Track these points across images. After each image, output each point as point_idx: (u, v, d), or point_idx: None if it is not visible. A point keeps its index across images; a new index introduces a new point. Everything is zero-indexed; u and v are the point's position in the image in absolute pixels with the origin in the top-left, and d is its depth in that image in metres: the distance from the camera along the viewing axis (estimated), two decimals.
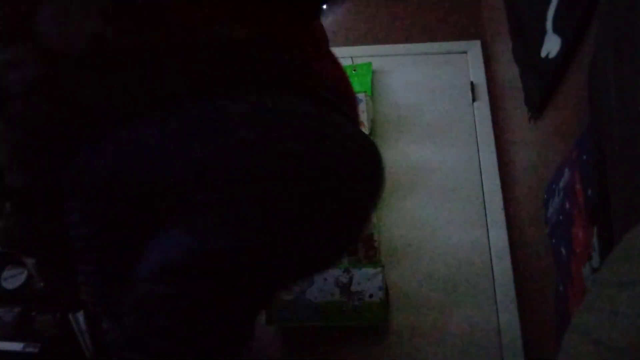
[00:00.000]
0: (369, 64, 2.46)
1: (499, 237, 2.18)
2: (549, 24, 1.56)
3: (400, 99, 2.46)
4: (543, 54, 1.61)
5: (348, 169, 0.80)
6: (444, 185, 2.29)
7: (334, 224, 0.79)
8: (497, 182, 2.26)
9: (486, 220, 2.22)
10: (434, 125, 2.40)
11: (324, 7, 1.02)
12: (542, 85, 1.66)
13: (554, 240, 1.58)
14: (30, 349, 1.73)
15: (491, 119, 2.37)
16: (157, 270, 0.68)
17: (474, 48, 2.53)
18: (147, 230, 0.73)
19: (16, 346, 1.73)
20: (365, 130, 2.27)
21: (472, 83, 2.46)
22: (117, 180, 0.70)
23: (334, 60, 1.00)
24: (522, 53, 1.88)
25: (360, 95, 2.30)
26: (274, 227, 0.71)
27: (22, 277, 1.89)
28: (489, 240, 2.19)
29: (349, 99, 0.99)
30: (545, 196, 1.66)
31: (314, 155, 0.75)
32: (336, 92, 0.92)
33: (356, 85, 2.38)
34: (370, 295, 1.97)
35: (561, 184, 1.50)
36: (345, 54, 2.45)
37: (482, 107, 2.41)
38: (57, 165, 0.72)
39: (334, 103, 0.89)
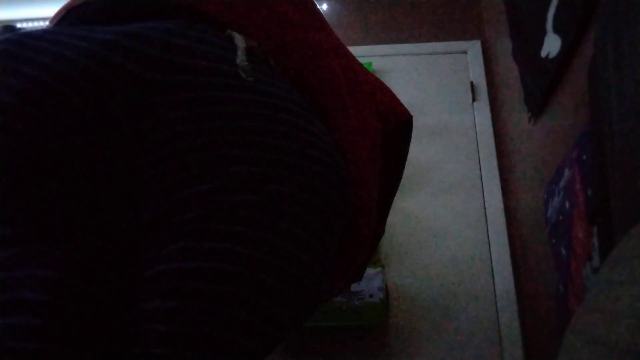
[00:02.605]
0: (369, 64, 2.46)
1: (499, 237, 2.18)
2: (549, 24, 1.56)
3: (400, 99, 2.45)
4: (543, 54, 1.61)
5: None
6: (443, 185, 2.29)
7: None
8: (497, 182, 2.26)
9: (486, 220, 2.22)
10: (434, 125, 2.40)
11: None
12: (542, 85, 1.66)
13: (554, 240, 1.58)
14: None
15: (491, 119, 2.37)
16: None
17: (474, 48, 2.53)
18: None
19: None
20: None
21: (472, 83, 2.46)
22: None
23: None
24: (522, 53, 1.88)
25: None
26: None
27: None
28: (488, 240, 2.19)
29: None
30: (545, 196, 1.66)
31: None
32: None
33: None
34: (370, 295, 1.97)
35: (561, 184, 1.50)
36: None
37: (482, 107, 2.41)
38: None
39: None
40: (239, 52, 0.70)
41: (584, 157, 1.32)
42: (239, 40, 0.72)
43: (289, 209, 0.63)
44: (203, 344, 0.58)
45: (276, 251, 0.62)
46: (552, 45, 1.54)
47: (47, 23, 0.83)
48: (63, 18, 0.77)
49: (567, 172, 1.46)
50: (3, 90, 0.60)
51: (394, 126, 0.98)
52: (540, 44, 1.62)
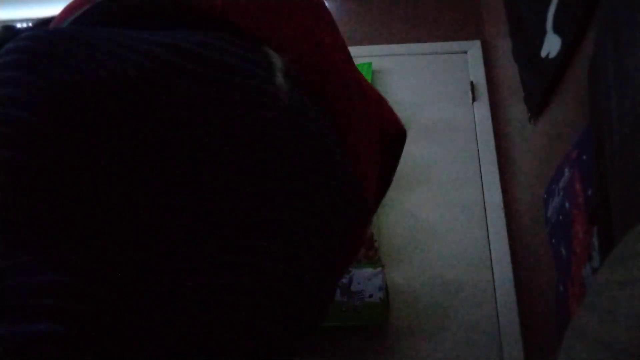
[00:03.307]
0: (369, 64, 2.45)
1: (499, 236, 2.18)
2: (549, 24, 1.56)
3: (400, 99, 2.46)
4: (543, 54, 1.61)
5: None
6: (444, 184, 2.29)
7: None
8: (497, 182, 2.26)
9: (486, 220, 2.22)
10: (434, 125, 2.39)
11: None
12: (542, 85, 1.66)
13: (554, 240, 1.58)
14: None
15: (491, 119, 2.37)
16: None
17: (474, 48, 2.53)
18: None
19: None
20: None
21: (472, 83, 2.46)
22: None
23: None
24: (522, 53, 1.88)
25: None
26: None
27: None
28: (489, 239, 2.19)
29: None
30: (545, 196, 1.66)
31: None
32: None
33: None
34: (370, 295, 1.97)
35: (561, 184, 1.50)
36: None
37: (482, 107, 2.41)
38: None
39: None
40: (278, 73, 0.70)
41: (584, 157, 1.32)
42: (276, 58, 0.72)
43: (309, 225, 0.66)
44: (225, 351, 0.59)
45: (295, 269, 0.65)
46: (552, 45, 1.54)
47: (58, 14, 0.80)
48: (84, 14, 0.75)
49: (567, 172, 1.46)
50: (33, 91, 0.59)
51: (391, 139, 1.01)
52: (540, 44, 1.62)
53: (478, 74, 2.47)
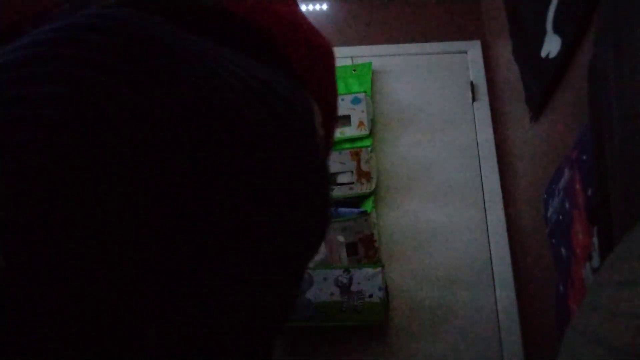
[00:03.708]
0: (369, 63, 2.46)
1: (499, 237, 2.18)
2: (549, 24, 1.56)
3: (400, 99, 2.46)
4: (543, 54, 1.61)
5: None
6: (444, 185, 2.29)
7: None
8: (497, 181, 2.26)
9: (486, 220, 2.22)
10: (434, 125, 2.40)
11: None
12: (542, 85, 1.66)
13: (554, 240, 1.58)
14: None
15: (491, 119, 2.37)
16: None
17: (474, 48, 2.53)
18: None
19: None
20: (365, 130, 2.27)
21: (472, 83, 2.46)
22: None
23: None
24: (522, 53, 1.88)
25: (360, 95, 2.31)
26: None
27: None
28: (488, 239, 2.19)
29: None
30: (545, 196, 1.66)
31: None
32: None
33: (356, 85, 2.38)
34: (370, 295, 1.97)
35: (561, 184, 1.50)
36: (345, 54, 2.45)
37: (482, 107, 2.41)
38: None
39: None
40: (318, 126, 0.70)
41: (584, 157, 1.32)
42: (317, 111, 0.71)
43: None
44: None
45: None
46: (552, 45, 1.54)
47: None
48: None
49: (567, 172, 1.46)
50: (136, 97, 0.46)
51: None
52: (540, 44, 1.63)
53: (478, 74, 2.47)
